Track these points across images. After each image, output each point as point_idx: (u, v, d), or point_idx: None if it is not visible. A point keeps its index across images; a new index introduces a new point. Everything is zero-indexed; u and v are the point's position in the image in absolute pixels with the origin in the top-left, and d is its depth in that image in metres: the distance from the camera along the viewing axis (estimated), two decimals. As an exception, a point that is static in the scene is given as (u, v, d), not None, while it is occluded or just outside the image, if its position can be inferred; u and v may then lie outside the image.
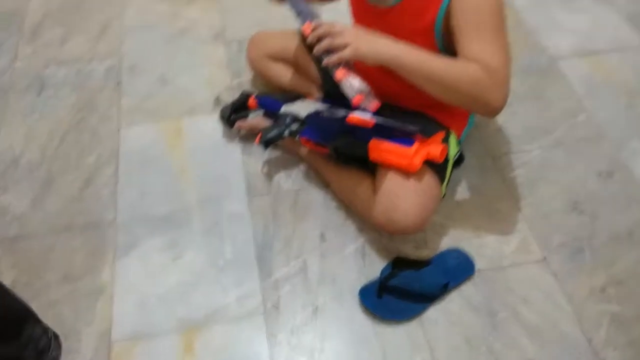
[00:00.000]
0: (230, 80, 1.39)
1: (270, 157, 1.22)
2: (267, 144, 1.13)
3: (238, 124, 1.23)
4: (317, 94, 1.22)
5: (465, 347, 0.95)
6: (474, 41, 0.89)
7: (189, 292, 1.02)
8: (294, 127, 1.13)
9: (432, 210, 1.01)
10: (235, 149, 1.23)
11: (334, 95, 1.10)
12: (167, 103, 1.34)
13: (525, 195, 1.16)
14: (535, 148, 1.24)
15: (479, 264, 1.05)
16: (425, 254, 1.07)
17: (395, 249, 1.07)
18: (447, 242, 1.09)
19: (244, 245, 1.09)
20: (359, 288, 1.01)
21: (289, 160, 1.21)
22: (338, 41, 0.90)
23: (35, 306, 0.90)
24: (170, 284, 1.03)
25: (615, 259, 1.06)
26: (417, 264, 1.04)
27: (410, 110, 1.08)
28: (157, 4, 1.61)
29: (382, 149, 1.01)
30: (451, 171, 1.07)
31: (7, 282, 0.95)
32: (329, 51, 0.92)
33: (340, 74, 0.92)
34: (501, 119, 1.28)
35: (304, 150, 1.18)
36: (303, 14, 0.98)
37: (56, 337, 0.95)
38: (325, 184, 1.16)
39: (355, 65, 0.99)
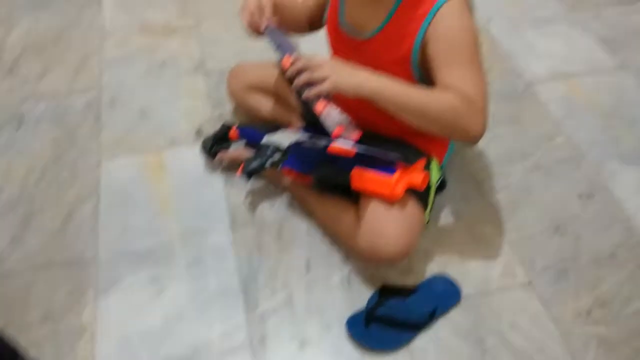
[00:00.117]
0: (211, 111, 1.39)
1: (253, 188, 1.21)
2: (249, 175, 1.12)
3: (220, 155, 1.22)
4: (299, 123, 1.22)
5: (455, 375, 0.95)
6: (450, 71, 0.90)
7: (172, 329, 1.00)
8: (276, 157, 1.13)
9: (416, 238, 1.02)
10: (217, 181, 1.23)
11: (315, 124, 1.11)
12: (147, 136, 1.33)
13: (508, 218, 1.17)
14: (516, 171, 1.25)
15: (465, 289, 1.04)
16: (411, 280, 1.06)
17: (381, 276, 1.07)
18: (432, 268, 1.08)
19: (228, 278, 1.07)
20: (345, 318, 1.00)
21: (272, 190, 1.21)
22: (317, 74, 0.91)
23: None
24: (153, 321, 1.01)
25: (599, 281, 1.06)
26: (404, 292, 1.04)
27: (391, 138, 1.09)
28: (136, 36, 1.62)
29: (364, 178, 1.02)
30: (434, 197, 1.07)
31: (-16, 326, 0.92)
32: (309, 84, 0.93)
33: (320, 106, 0.93)
34: (481, 143, 1.29)
35: (286, 180, 1.18)
36: (282, 48, 0.98)
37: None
38: (309, 214, 1.16)
39: (335, 96, 1.00)
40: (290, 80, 0.96)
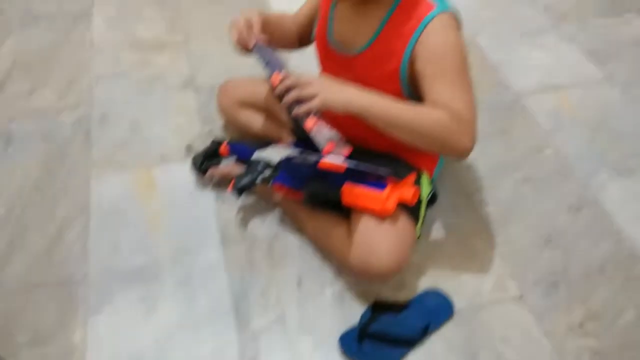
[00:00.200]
0: (201, 127, 1.39)
1: (244, 204, 1.21)
2: (240, 191, 1.12)
3: (210, 171, 1.22)
4: (289, 138, 1.22)
5: (448, 391, 0.94)
6: (438, 87, 0.91)
7: (164, 348, 0.99)
8: (267, 173, 1.12)
9: (407, 254, 1.01)
10: (208, 197, 1.22)
11: (305, 139, 1.11)
12: (138, 152, 1.33)
13: (499, 231, 1.17)
14: (506, 184, 1.26)
15: (457, 304, 1.04)
16: (404, 295, 1.06)
17: (374, 292, 1.06)
18: (425, 282, 1.08)
19: (219, 295, 1.06)
20: (338, 335, 1.00)
21: (263, 206, 1.20)
22: (306, 92, 0.91)
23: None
24: (144, 340, 1.00)
25: (590, 293, 1.07)
26: (397, 307, 1.04)
27: (381, 153, 1.10)
28: (126, 52, 1.62)
29: (355, 194, 1.02)
30: (425, 211, 1.08)
31: (-29, 349, 0.91)
32: (298, 101, 0.93)
33: (309, 123, 0.93)
34: (472, 155, 1.27)
35: (277, 196, 1.18)
36: (271, 65, 0.99)
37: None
38: (300, 229, 1.16)
39: (324, 112, 1.00)
40: (280, 97, 0.96)
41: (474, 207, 1.21)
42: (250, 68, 1.28)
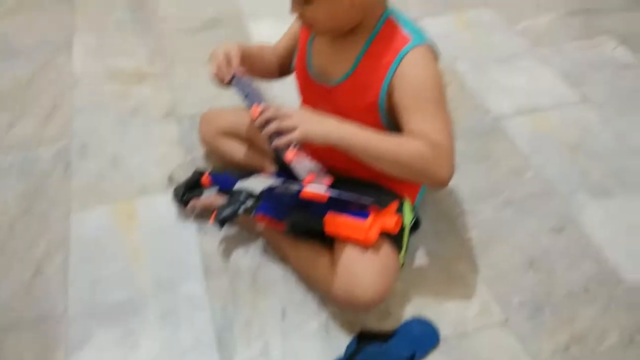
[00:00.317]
0: (183, 157, 1.38)
1: (226, 235, 1.20)
2: (222, 222, 1.12)
3: (192, 202, 1.21)
4: (271, 168, 1.22)
5: (436, 421, 0.93)
6: (417, 118, 0.92)
7: (146, 386, 0.97)
8: (249, 203, 1.12)
9: (391, 283, 1.01)
10: (190, 229, 1.21)
11: (287, 169, 1.11)
12: (119, 184, 1.32)
13: (482, 255, 1.17)
14: (488, 208, 1.27)
15: (443, 331, 1.04)
16: (389, 324, 1.06)
17: (359, 321, 1.06)
18: (410, 310, 1.08)
19: (203, 328, 1.05)
20: (324, 366, 0.99)
21: (246, 236, 1.20)
22: (286, 124, 0.92)
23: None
24: (126, 379, 0.98)
25: (575, 316, 1.07)
26: (382, 337, 1.03)
27: (363, 181, 1.10)
28: (106, 83, 1.61)
29: (337, 223, 1.02)
30: (408, 239, 1.08)
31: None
32: (278, 133, 0.93)
33: (290, 155, 0.93)
34: (453, 180, 1.30)
35: (260, 226, 1.17)
36: (250, 97, 0.99)
37: None
38: (284, 259, 1.15)
39: (304, 143, 1.00)
40: (261, 128, 0.97)
41: (456, 231, 1.22)
42: (232, 97, 1.27)
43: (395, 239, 1.03)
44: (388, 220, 1.01)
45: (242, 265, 1.15)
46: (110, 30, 1.82)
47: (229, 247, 1.18)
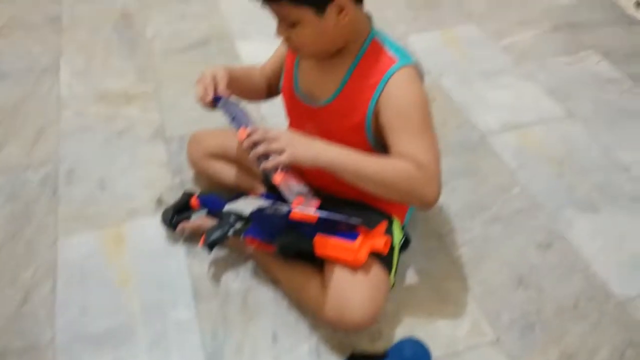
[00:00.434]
0: (171, 179, 1.38)
1: (216, 257, 1.19)
2: (211, 245, 1.11)
3: (181, 226, 1.20)
4: (261, 189, 1.22)
5: None
6: (403, 139, 0.92)
7: (136, 415, 0.96)
8: (238, 225, 1.12)
9: (382, 303, 1.01)
10: (179, 252, 1.21)
11: (276, 190, 1.11)
12: (106, 208, 1.31)
13: (472, 273, 1.18)
14: (476, 225, 1.27)
15: (435, 351, 1.03)
16: (381, 345, 1.05)
17: (350, 343, 1.05)
18: (401, 331, 1.08)
19: (193, 354, 1.04)
20: (316, 390, 0.98)
21: (236, 258, 1.19)
22: (274, 146, 0.92)
23: None
24: (115, 408, 0.97)
25: (565, 332, 1.07)
26: (374, 358, 1.03)
27: (351, 201, 1.10)
28: (94, 105, 1.61)
29: (327, 245, 1.02)
30: (398, 258, 1.08)
31: None
32: (266, 156, 0.93)
33: (278, 178, 0.93)
34: (442, 197, 1.30)
35: (250, 248, 1.17)
36: (237, 120, 0.99)
37: None
38: (274, 282, 1.14)
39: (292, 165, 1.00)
40: (249, 151, 0.97)
41: (445, 249, 1.22)
42: (221, 118, 1.27)
43: (385, 259, 1.03)
44: (377, 240, 1.01)
45: (232, 289, 1.14)
46: (98, 52, 1.82)
47: (218, 270, 1.17)
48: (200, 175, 1.34)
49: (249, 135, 0.95)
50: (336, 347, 1.05)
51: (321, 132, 1.00)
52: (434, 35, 1.89)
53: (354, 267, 1.00)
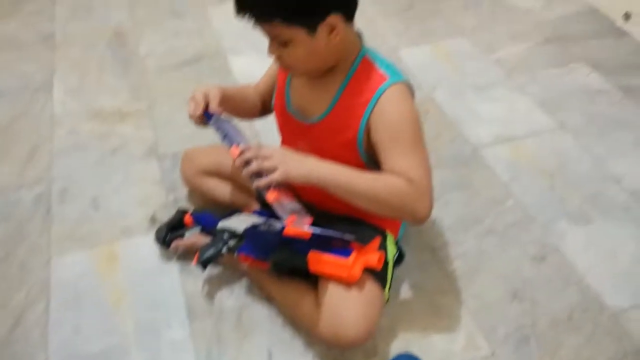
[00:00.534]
0: (165, 196, 1.38)
1: (210, 275, 1.19)
2: (205, 263, 1.11)
3: (175, 243, 1.20)
4: (255, 205, 1.22)
5: None
6: (395, 155, 0.93)
7: None
8: (232, 243, 1.12)
9: (377, 319, 1.01)
10: (173, 270, 1.20)
11: (270, 206, 1.11)
12: (100, 227, 1.31)
13: (466, 287, 1.18)
14: (470, 238, 1.28)
15: (430, 366, 1.03)
16: (376, 361, 1.05)
17: (346, 360, 1.05)
18: (397, 346, 1.07)
19: (188, 373, 1.04)
20: (311, 408, 0.98)
21: (230, 276, 1.19)
22: (267, 164, 0.92)
23: None
24: None
25: (559, 345, 1.07)
26: (369, 374, 1.02)
27: (345, 216, 1.10)
28: (87, 123, 1.61)
29: (320, 261, 1.02)
30: (392, 273, 1.08)
31: None
32: (259, 174, 0.94)
33: (271, 196, 0.94)
34: (435, 211, 1.31)
35: (244, 265, 1.16)
36: (229, 137, 1.00)
37: None
38: (268, 299, 1.14)
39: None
40: (241, 168, 0.97)
41: (440, 263, 1.22)
42: (214, 135, 1.28)
43: (379, 274, 1.03)
44: (371, 256, 1.02)
45: (227, 306, 1.14)
46: (91, 69, 1.83)
47: (212, 287, 1.17)
48: (194, 192, 1.34)
49: (241, 153, 0.96)
50: (331, 364, 1.05)
51: (313, 149, 1.01)
52: (426, 49, 1.90)
53: (348, 283, 1.00)
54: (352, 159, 1.00)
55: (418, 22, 2.05)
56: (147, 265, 1.21)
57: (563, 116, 1.62)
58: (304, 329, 1.07)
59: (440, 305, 1.14)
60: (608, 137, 1.54)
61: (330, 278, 1.01)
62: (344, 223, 1.07)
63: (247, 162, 0.95)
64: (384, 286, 1.04)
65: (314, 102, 1.03)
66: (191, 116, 1.05)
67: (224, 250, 1.10)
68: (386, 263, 1.06)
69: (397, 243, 1.13)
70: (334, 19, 0.90)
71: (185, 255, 1.21)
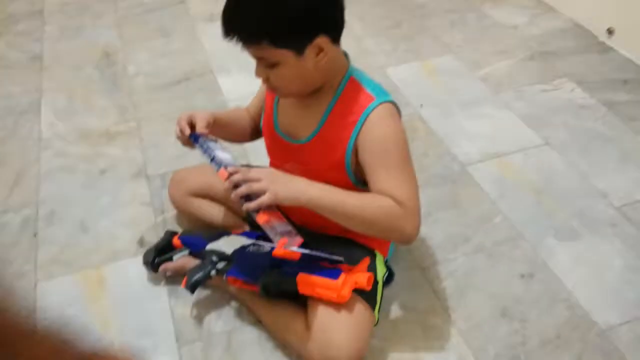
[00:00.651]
0: (154, 218, 1.37)
1: (199, 298, 1.18)
2: (193, 287, 1.10)
3: (163, 266, 1.19)
4: (244, 226, 1.22)
5: None
6: (382, 176, 0.94)
7: None
8: (220, 265, 1.11)
9: (367, 340, 1.01)
10: (161, 294, 1.19)
11: (259, 227, 1.11)
12: (88, 250, 1.30)
13: (456, 306, 1.18)
14: (459, 256, 1.28)
15: (421, 387, 1.03)
16: (366, 383, 1.04)
17: (336, 382, 1.04)
18: (387, 367, 1.07)
19: (177, 399, 1.02)
20: None
21: (219, 299, 1.18)
22: (256, 187, 0.92)
23: None
24: None
25: (550, 364, 1.08)
26: (360, 397, 1.01)
27: (334, 236, 1.10)
28: (75, 145, 1.61)
29: (310, 283, 1.01)
30: (382, 293, 1.08)
31: None
32: (248, 196, 0.94)
33: (261, 219, 0.94)
34: (424, 229, 1.32)
35: (233, 287, 1.16)
36: (216, 159, 1.00)
37: None
38: (258, 321, 1.13)
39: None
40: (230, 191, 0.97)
41: (429, 282, 1.22)
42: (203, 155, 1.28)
43: (368, 295, 1.03)
44: (360, 277, 1.01)
45: (216, 330, 1.13)
46: (79, 90, 1.83)
47: (201, 311, 1.16)
48: (183, 214, 1.34)
49: (230, 176, 0.96)
50: (322, 387, 1.03)
51: (302, 169, 1.01)
52: (413, 67, 1.92)
53: (338, 304, 0.99)
54: (340, 179, 1.00)
55: (405, 40, 2.07)
56: (135, 289, 1.20)
57: (549, 132, 1.63)
58: (295, 351, 1.07)
59: (431, 325, 1.14)
60: (593, 152, 1.56)
61: (319, 299, 1.01)
62: (333, 243, 1.07)
63: (236, 185, 0.95)
64: (373, 307, 1.04)
65: (301, 123, 1.04)
66: (178, 137, 1.05)
67: (213, 273, 1.10)
68: (376, 283, 1.06)
69: (386, 263, 1.13)
70: (322, 40, 0.91)
71: (174, 278, 1.20)
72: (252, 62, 0.96)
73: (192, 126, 1.05)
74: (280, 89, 1.00)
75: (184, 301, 1.18)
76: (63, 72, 1.92)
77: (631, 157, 1.53)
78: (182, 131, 1.04)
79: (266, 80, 0.97)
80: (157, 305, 1.17)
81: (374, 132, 0.96)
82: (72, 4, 2.33)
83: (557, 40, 2.04)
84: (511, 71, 1.89)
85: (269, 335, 1.11)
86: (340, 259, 1.01)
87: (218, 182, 1.21)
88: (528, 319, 1.15)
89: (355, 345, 0.97)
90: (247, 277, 1.09)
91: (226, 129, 1.13)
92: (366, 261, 1.07)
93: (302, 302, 1.05)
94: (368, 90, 0.99)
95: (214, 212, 1.25)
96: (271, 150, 1.15)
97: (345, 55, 1.02)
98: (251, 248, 1.09)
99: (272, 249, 1.02)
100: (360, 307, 1.01)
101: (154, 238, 1.28)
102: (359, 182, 1.02)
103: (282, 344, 1.09)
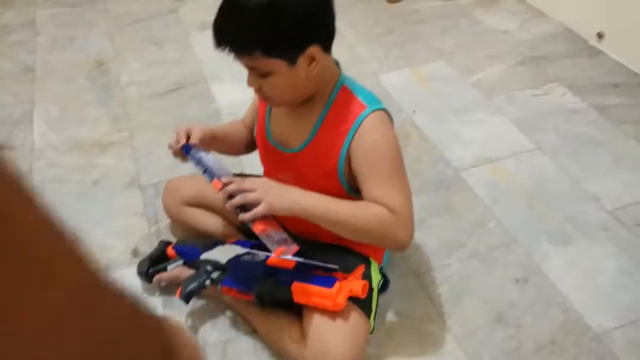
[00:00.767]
0: (147, 228, 1.37)
1: (193, 308, 1.18)
2: (188, 297, 1.10)
3: (157, 277, 1.19)
4: (238, 235, 1.22)
5: None
6: (375, 184, 0.94)
7: None
8: (215, 275, 1.11)
9: (363, 348, 1.01)
10: (156, 304, 1.19)
11: (254, 235, 1.11)
12: (81, 261, 1.29)
13: (452, 312, 1.18)
14: (454, 261, 1.28)
15: (417, 394, 1.03)
16: (363, 391, 1.04)
17: (332, 391, 1.04)
18: (383, 374, 1.07)
19: (172, 411, 1.01)
20: None
21: (214, 308, 1.18)
22: (250, 197, 0.93)
23: None
24: None
25: (545, 369, 1.08)
26: (356, 405, 1.01)
27: (329, 244, 1.10)
28: (67, 155, 1.60)
29: (305, 291, 1.01)
30: (377, 301, 1.08)
31: None
32: (243, 206, 0.94)
33: (257, 228, 0.94)
34: (418, 235, 1.33)
35: (228, 297, 1.16)
36: (209, 172, 1.00)
37: None
38: (253, 331, 1.13)
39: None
40: (225, 201, 0.97)
41: (424, 289, 1.22)
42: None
43: (364, 303, 1.03)
44: (355, 285, 1.01)
45: (211, 340, 1.12)
46: (72, 100, 1.83)
47: (196, 321, 1.16)
48: (177, 223, 1.33)
49: (224, 186, 0.96)
50: (318, 396, 1.03)
51: (296, 178, 1.01)
52: (406, 73, 1.93)
53: (333, 312, 0.99)
54: (333, 188, 1.01)
55: (397, 46, 2.08)
56: (129, 300, 1.20)
57: (540, 136, 1.64)
58: (290, 360, 1.07)
59: (426, 332, 1.14)
60: (585, 156, 1.57)
61: (315, 308, 1.01)
62: (327, 251, 1.07)
63: (231, 196, 0.95)
64: (369, 315, 1.04)
65: (294, 132, 1.04)
66: (170, 147, 1.06)
67: (207, 282, 1.10)
68: (371, 291, 1.06)
69: (381, 270, 1.13)
70: (314, 50, 0.91)
71: (169, 288, 1.20)
72: (245, 71, 0.96)
73: (188, 138, 1.06)
74: (273, 99, 1.00)
75: (179, 311, 1.17)
76: (55, 82, 1.92)
77: (622, 161, 1.54)
78: (177, 141, 1.05)
79: (258, 90, 0.98)
80: (152, 316, 1.17)
81: (366, 140, 0.97)
82: (64, 14, 2.33)
83: (547, 44, 2.05)
84: (503, 76, 1.90)
85: (264, 345, 1.11)
86: (335, 267, 1.01)
87: (212, 190, 1.22)
88: (523, 324, 1.15)
89: (351, 353, 0.97)
90: (242, 286, 1.08)
91: (223, 142, 1.14)
92: (361, 269, 1.07)
93: (297, 311, 1.05)
94: (360, 99, 1.00)
95: (208, 221, 1.25)
96: (265, 159, 1.15)
97: (337, 63, 1.02)
98: (245, 257, 1.09)
99: (267, 257, 1.03)
100: (356, 315, 1.01)
101: (148, 248, 1.27)
102: (353, 191, 1.02)
103: (277, 353, 1.09)
